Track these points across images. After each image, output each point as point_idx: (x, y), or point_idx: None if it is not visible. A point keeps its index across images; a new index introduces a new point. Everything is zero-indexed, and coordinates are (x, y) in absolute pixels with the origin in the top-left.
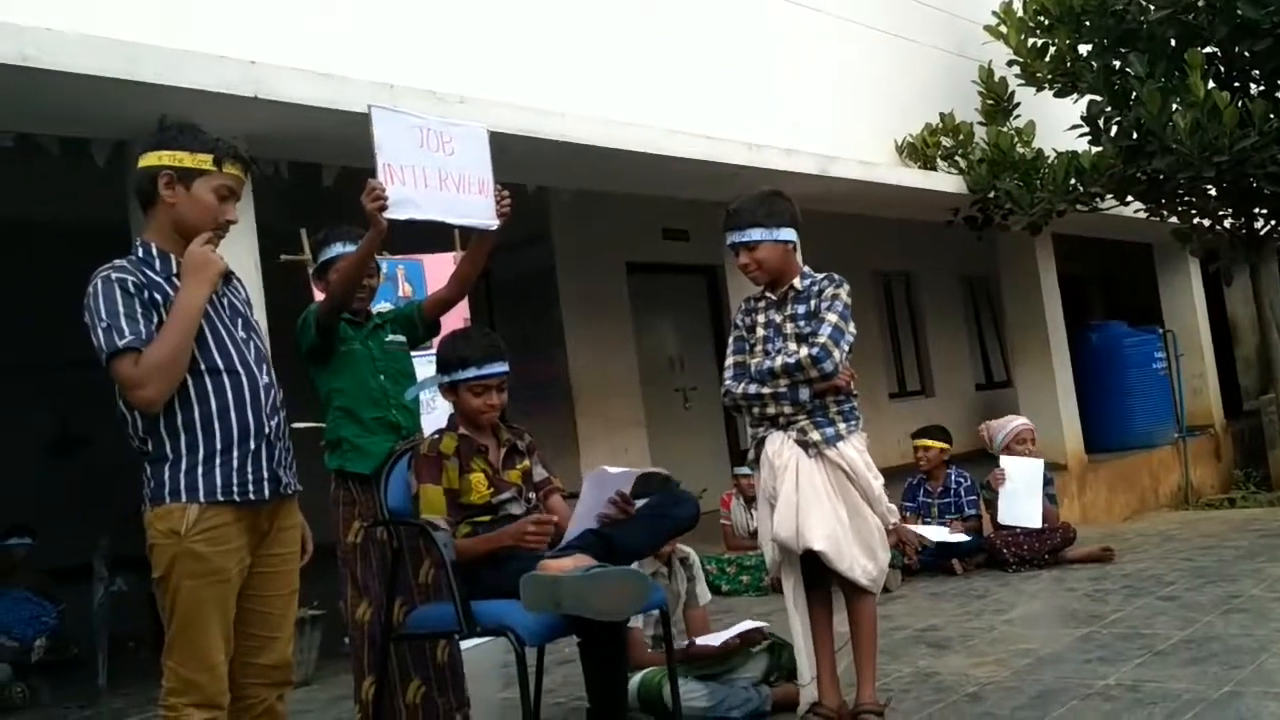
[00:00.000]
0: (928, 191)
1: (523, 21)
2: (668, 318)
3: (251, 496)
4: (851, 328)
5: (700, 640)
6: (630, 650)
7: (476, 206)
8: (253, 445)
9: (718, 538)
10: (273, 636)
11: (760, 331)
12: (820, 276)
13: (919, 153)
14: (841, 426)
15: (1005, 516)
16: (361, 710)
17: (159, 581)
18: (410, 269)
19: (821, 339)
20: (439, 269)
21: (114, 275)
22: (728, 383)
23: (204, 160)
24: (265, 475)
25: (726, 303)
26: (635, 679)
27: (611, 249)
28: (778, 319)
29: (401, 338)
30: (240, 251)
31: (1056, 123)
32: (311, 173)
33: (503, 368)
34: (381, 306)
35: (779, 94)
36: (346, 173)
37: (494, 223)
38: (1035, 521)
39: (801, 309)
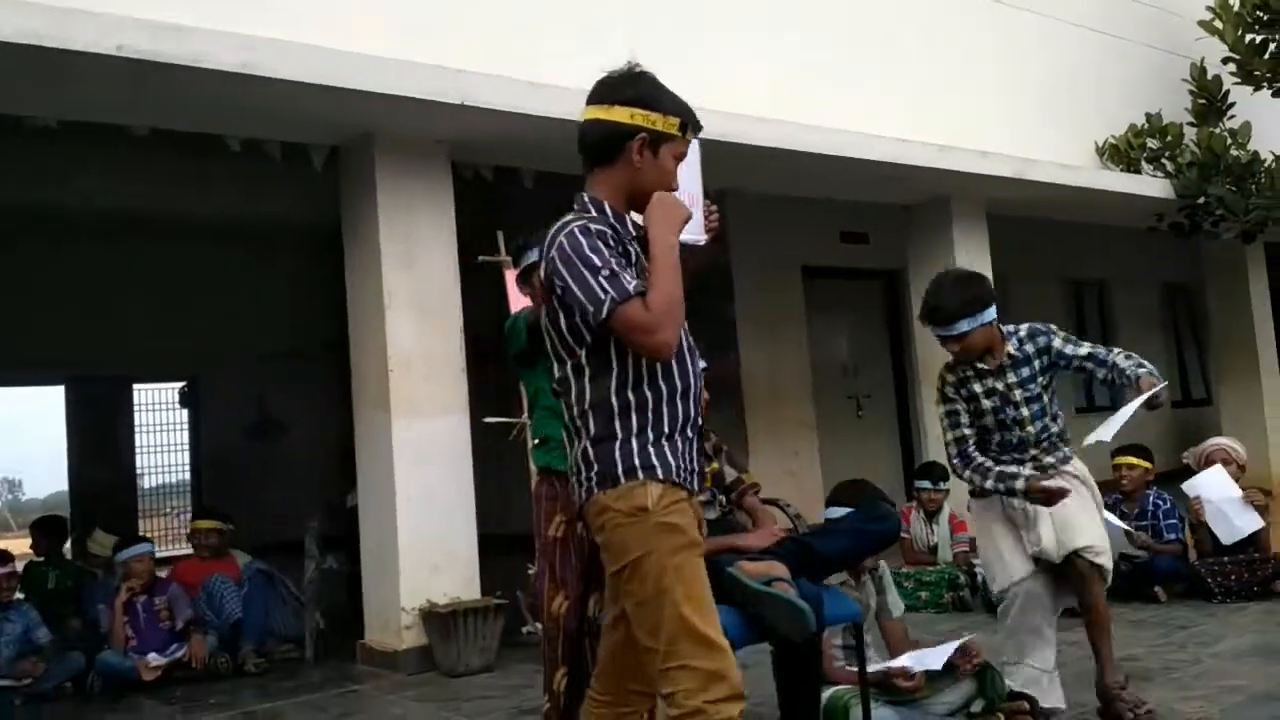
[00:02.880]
0: (1131, 196)
1: (714, 29)
2: (843, 322)
3: (695, 486)
4: None
5: (906, 660)
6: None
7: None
8: (690, 434)
9: (894, 551)
10: None
11: (986, 402)
12: (1023, 335)
13: (1122, 155)
14: (1066, 449)
15: (1227, 539)
16: (552, 700)
17: (631, 567)
18: None
19: (1133, 356)
20: None
21: (592, 227)
22: (969, 469)
23: (673, 125)
24: (695, 468)
25: (905, 307)
26: (824, 695)
27: (788, 251)
28: (1001, 386)
29: None
30: (440, 252)
31: (1275, 124)
32: (505, 175)
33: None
34: None
35: (975, 94)
36: (543, 176)
37: (702, 238)
38: (1256, 524)
39: (1025, 371)
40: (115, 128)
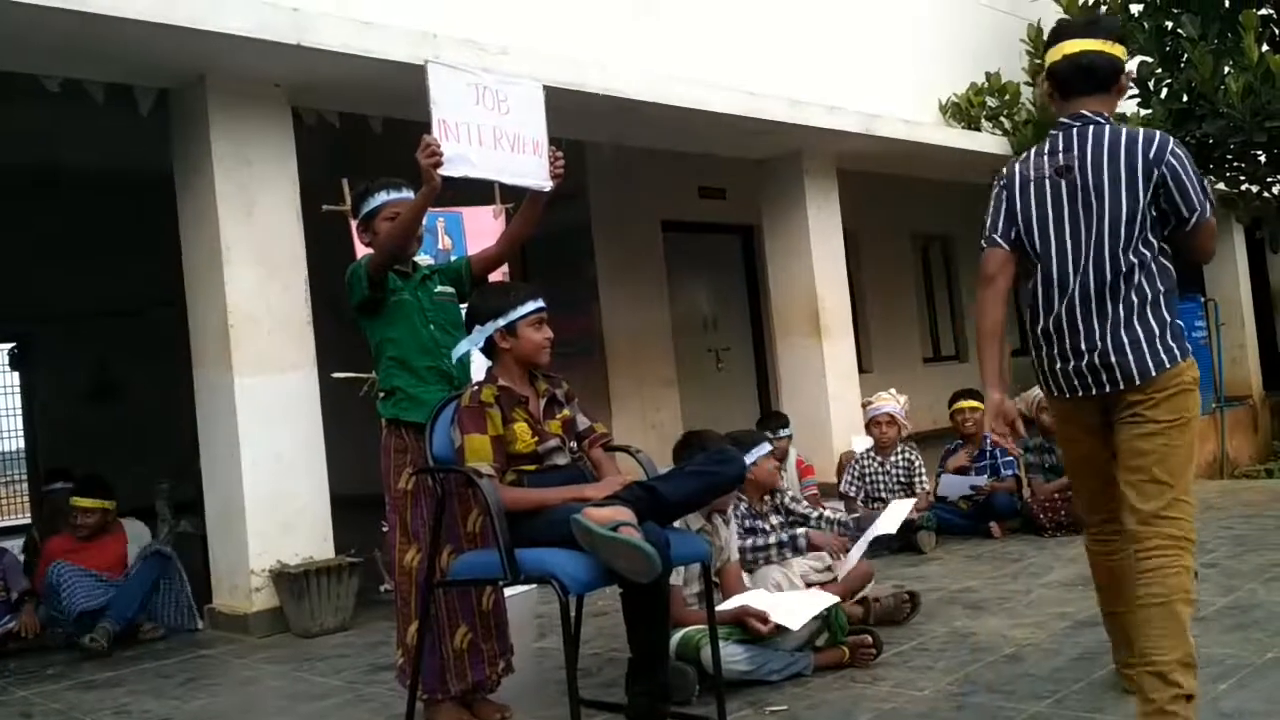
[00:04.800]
0: (971, 152)
1: None
2: (702, 277)
3: None
4: None
5: (758, 603)
6: (672, 607)
7: (530, 166)
8: None
9: None
10: None
11: None
12: None
13: (963, 113)
14: None
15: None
16: (406, 654)
17: (1184, 422)
18: (450, 221)
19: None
20: (478, 222)
21: None
22: None
23: None
24: None
25: (762, 262)
26: (676, 636)
27: (647, 206)
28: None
29: (450, 289)
30: (281, 201)
31: None
32: (353, 124)
33: (544, 302)
34: (422, 259)
35: (823, 50)
36: (391, 124)
37: (547, 184)
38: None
39: None
40: None
